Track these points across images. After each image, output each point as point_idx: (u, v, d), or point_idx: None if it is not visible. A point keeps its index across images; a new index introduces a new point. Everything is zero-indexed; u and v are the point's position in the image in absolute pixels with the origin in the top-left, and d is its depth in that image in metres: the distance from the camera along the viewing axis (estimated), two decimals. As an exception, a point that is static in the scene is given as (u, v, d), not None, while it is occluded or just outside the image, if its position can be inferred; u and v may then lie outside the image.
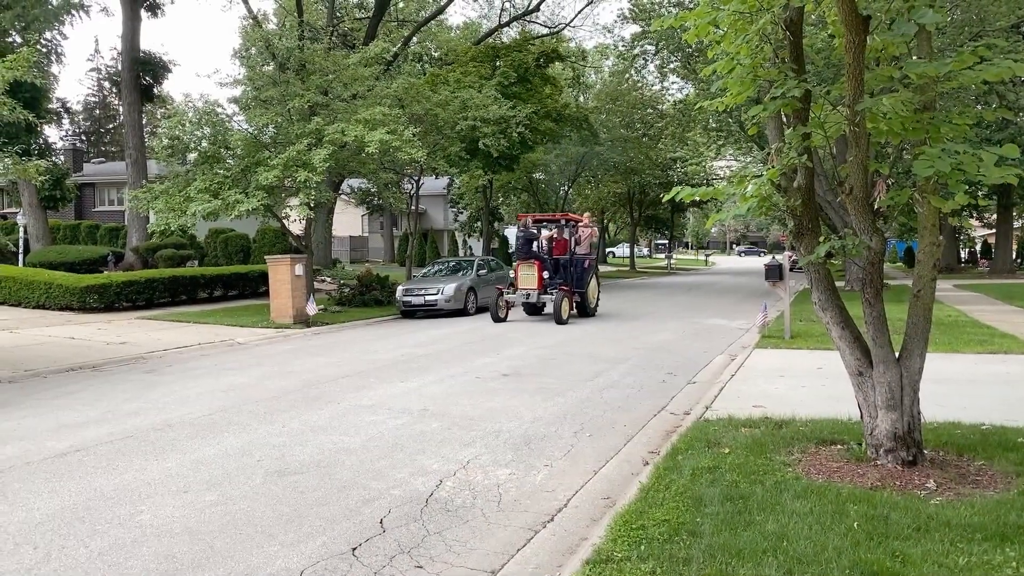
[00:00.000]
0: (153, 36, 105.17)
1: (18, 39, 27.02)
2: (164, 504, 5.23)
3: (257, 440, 6.96)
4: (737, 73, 5.41)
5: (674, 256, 61.63)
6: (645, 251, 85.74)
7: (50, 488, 5.62)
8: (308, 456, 6.40)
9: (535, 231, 18.36)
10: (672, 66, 29.80)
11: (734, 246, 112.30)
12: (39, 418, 8.03)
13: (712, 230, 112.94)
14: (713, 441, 6.28)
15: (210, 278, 21.94)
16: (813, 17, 11.56)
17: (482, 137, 21.50)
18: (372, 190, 25.46)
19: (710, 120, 28.94)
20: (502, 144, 21.95)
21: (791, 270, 14.69)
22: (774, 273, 13.97)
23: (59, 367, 11.24)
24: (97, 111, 64.13)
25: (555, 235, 18.81)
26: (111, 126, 62.68)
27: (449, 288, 19.47)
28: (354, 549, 4.45)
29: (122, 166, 32.61)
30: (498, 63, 27.20)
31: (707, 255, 77.27)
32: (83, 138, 62.08)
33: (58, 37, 35.25)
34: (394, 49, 27.36)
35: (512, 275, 18.37)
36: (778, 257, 15.35)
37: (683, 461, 5.74)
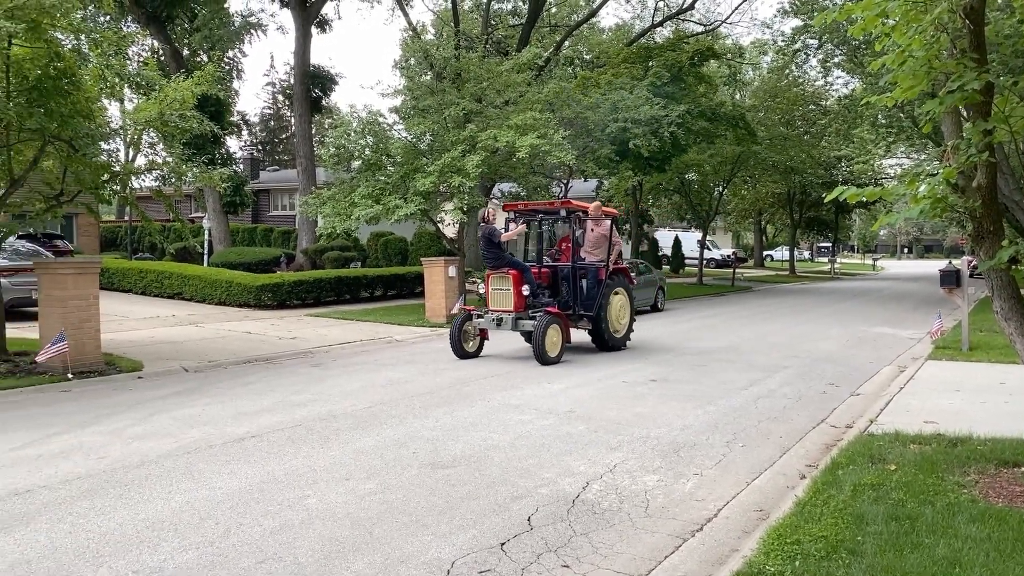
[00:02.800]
0: (322, 51, 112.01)
1: (204, 58, 29.64)
2: (328, 490, 5.58)
3: (412, 433, 7.27)
4: (909, 66, 5.07)
5: (838, 260, 58.32)
6: (806, 254, 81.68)
7: (229, 470, 6.14)
8: (459, 451, 6.61)
9: (498, 227, 12.69)
10: (836, 60, 28.25)
11: (905, 250, 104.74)
12: (220, 405, 8.77)
13: (880, 233, 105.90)
14: (878, 457, 5.92)
15: (371, 278, 23.09)
16: (999, 2, 10.62)
17: (632, 138, 21.31)
18: (522, 194, 25.84)
19: (879, 116, 27.19)
20: (653, 145, 21.64)
21: (970, 276, 13.41)
22: (950, 279, 12.87)
23: (237, 359, 12.22)
24: (271, 123, 69.10)
25: (577, 232, 13.29)
26: (284, 136, 67.33)
27: (598, 291, 19.36)
28: (503, 544, 4.56)
29: (294, 174, 34.99)
30: (650, 63, 26.86)
31: (875, 259, 72.52)
32: (259, 148, 67.09)
33: (239, 55, 38.39)
34: (546, 54, 27.69)
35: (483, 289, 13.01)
36: (955, 262, 14.09)
37: (844, 476, 5.45)
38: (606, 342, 12.84)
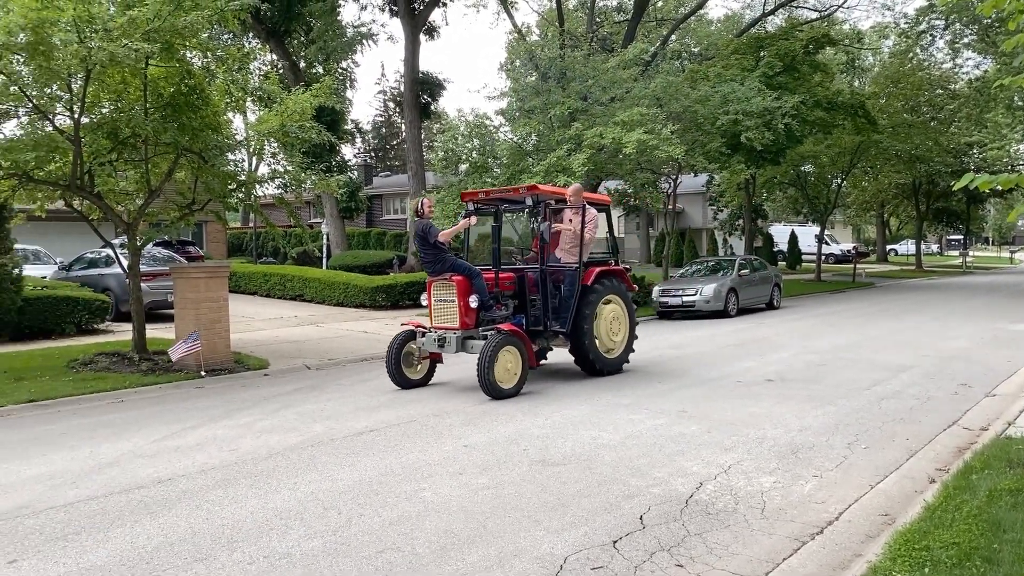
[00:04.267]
0: (430, 57, 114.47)
1: (320, 69, 30.88)
2: (442, 484, 5.72)
3: (522, 430, 7.35)
4: (1048, 42, 4.73)
5: (970, 253, 54.69)
6: (934, 248, 77.05)
7: (350, 462, 6.40)
8: (569, 449, 6.64)
9: (429, 223, 9.78)
10: (965, 40, 26.54)
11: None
12: (340, 401, 9.15)
13: (1019, 223, 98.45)
14: (1016, 461, 5.54)
15: (479, 279, 23.43)
16: None
17: (744, 131, 20.73)
18: (628, 191, 25.63)
19: (1014, 98, 25.35)
20: (766, 137, 20.97)
21: None
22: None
23: (355, 357, 12.70)
24: (383, 129, 71.22)
25: (540, 226, 10.13)
26: (394, 143, 69.28)
27: (708, 289, 19.02)
28: (615, 542, 4.56)
29: (404, 178, 35.97)
30: (762, 53, 26.04)
31: (1012, 252, 67.53)
32: (372, 154, 69.32)
33: (351, 65, 39.78)
34: (652, 49, 27.32)
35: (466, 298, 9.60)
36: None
37: (978, 481, 5.13)
38: (592, 364, 10.13)
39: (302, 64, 31.73)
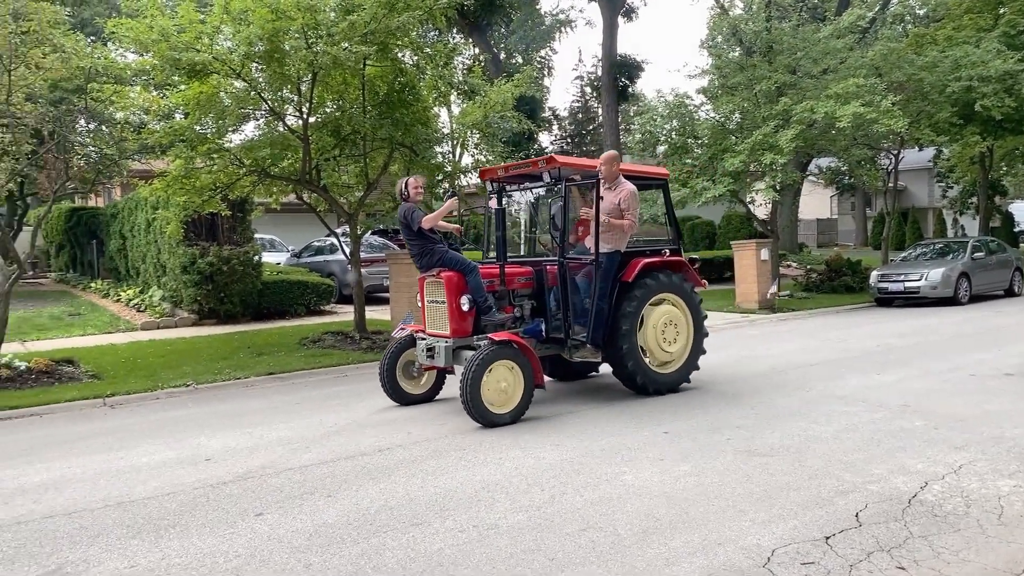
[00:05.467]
0: (628, 39, 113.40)
1: (520, 59, 31.62)
2: (643, 468, 5.72)
3: (723, 419, 7.15)
4: None
5: None
6: None
7: (552, 441, 6.56)
8: (776, 440, 6.37)
9: (413, 208, 7.82)
10: None
11: None
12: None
13: None
14: None
15: (678, 263, 22.96)
16: None
17: (980, 98, 18.60)
18: (843, 168, 23.88)
19: None
20: (1007, 105, 18.69)
21: None
22: None
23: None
24: (579, 115, 71.48)
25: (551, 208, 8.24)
26: (590, 127, 69.39)
27: (935, 273, 17.37)
28: (827, 538, 4.33)
29: (602, 163, 35.86)
30: (1002, 10, 23.19)
31: None
32: (569, 140, 69.99)
33: (549, 53, 40.33)
34: (870, 15, 25.23)
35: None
36: None
37: None
38: (635, 380, 8.05)
39: (502, 55, 32.66)
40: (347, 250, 13.43)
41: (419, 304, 8.15)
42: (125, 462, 6.49)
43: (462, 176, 14.39)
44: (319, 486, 5.59)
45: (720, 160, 17.15)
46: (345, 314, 15.87)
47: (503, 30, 31.74)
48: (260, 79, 11.19)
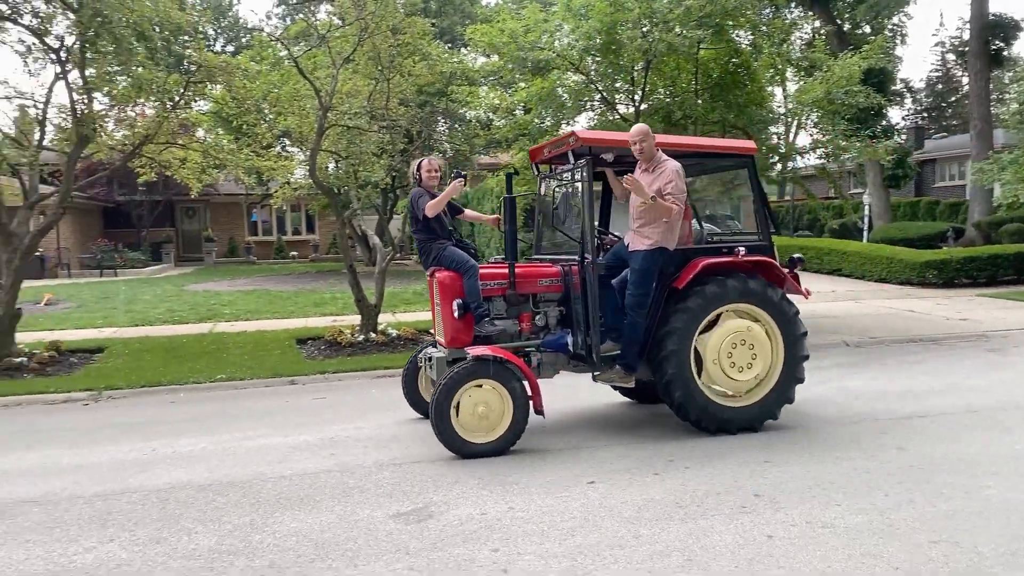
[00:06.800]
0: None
1: (867, 28, 28.92)
2: (1013, 484, 5.01)
3: None
4: None
5: None
6: None
7: (896, 444, 6.02)
8: None
9: (421, 193, 6.74)
10: None
11: None
12: (886, 380, 8.61)
13: None
14: None
15: (1063, 254, 19.41)
16: None
17: None
18: None
19: None
20: None
21: None
22: None
23: (899, 337, 11.77)
24: (939, 86, 63.55)
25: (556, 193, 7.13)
26: (952, 100, 61.28)
27: None
28: None
29: (963, 140, 31.66)
30: None
31: None
32: (924, 115, 62.48)
33: (903, 19, 36.28)
34: None
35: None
36: None
37: None
38: (685, 412, 6.38)
39: (846, 26, 30.14)
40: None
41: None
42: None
43: (798, 157, 13.62)
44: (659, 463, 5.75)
45: None
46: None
47: (847, 0, 29.26)
48: (594, 71, 11.68)
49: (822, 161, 13.98)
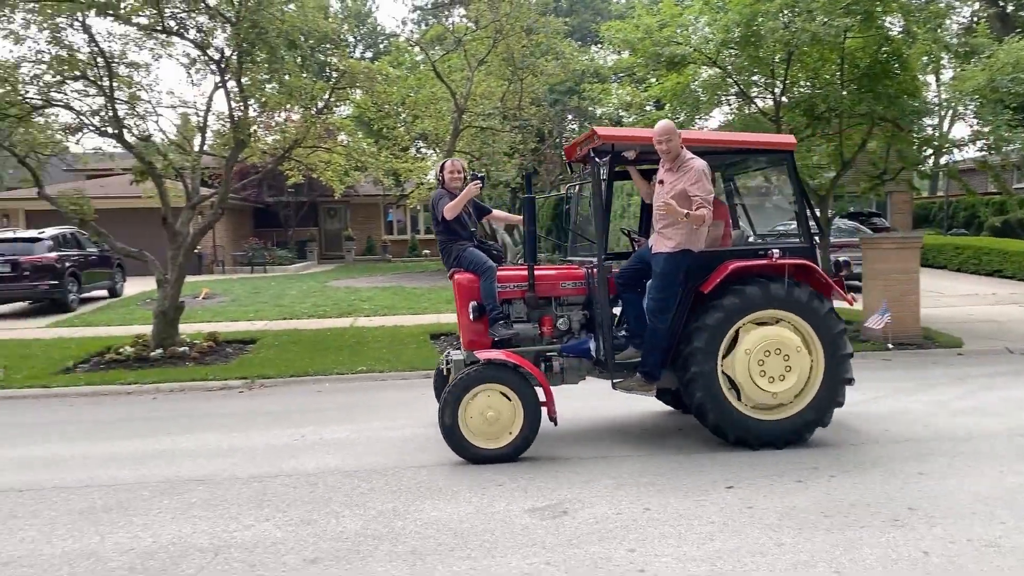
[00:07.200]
0: None
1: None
2: None
3: None
4: None
5: None
6: None
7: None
8: None
9: (442, 194, 6.58)
10: None
11: None
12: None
13: None
14: None
15: None
16: None
17: None
18: None
19: None
20: None
21: None
22: None
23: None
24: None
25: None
26: None
27: None
28: None
29: None
30: None
31: None
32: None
33: (1080, -4, 33.01)
34: None
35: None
36: None
37: None
38: (705, 417, 6.01)
39: (1009, 7, 27.77)
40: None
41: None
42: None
43: (956, 151, 12.67)
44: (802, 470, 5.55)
45: None
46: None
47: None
48: (731, 65, 11.33)
49: (983, 154, 12.94)
